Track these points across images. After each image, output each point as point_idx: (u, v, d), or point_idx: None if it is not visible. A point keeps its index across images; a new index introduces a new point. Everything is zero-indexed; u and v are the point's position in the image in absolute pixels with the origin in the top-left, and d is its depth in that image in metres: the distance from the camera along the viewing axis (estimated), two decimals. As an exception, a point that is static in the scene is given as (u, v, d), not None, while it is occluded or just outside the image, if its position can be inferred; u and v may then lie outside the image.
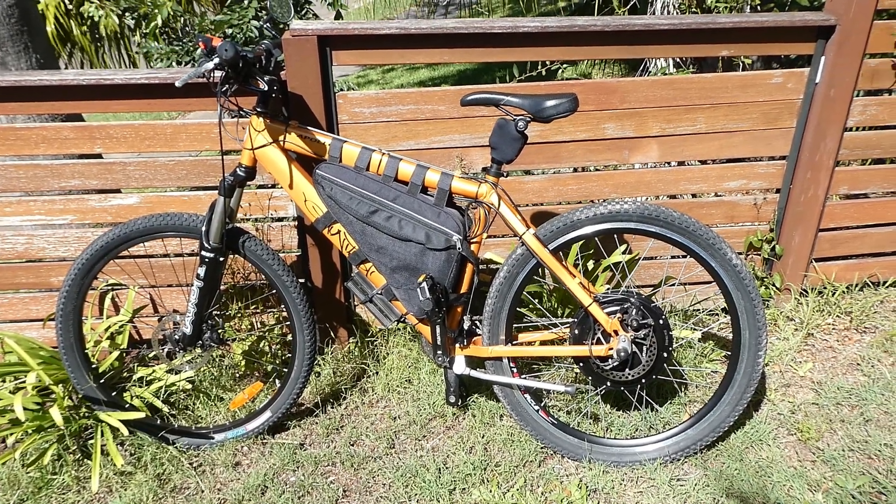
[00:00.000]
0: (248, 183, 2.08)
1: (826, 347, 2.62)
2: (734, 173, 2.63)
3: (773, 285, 2.79)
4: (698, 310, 2.75)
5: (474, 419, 2.32)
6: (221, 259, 2.10)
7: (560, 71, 3.08)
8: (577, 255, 2.46)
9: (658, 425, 2.27)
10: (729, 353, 2.13)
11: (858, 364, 2.50)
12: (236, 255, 2.15)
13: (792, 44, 2.46)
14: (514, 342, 2.15)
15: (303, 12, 3.08)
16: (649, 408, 2.29)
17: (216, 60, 1.79)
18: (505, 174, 2.00)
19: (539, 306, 2.44)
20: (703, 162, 2.85)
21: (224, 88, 1.89)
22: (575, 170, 2.74)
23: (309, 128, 2.04)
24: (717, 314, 2.76)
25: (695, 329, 2.57)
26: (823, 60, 2.45)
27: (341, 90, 2.56)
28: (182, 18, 3.28)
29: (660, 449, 2.13)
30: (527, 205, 2.59)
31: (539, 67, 3.25)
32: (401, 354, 2.57)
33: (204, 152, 2.41)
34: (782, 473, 2.05)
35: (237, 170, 2.05)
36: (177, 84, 1.74)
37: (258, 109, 2.01)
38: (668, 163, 2.66)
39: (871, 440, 2.14)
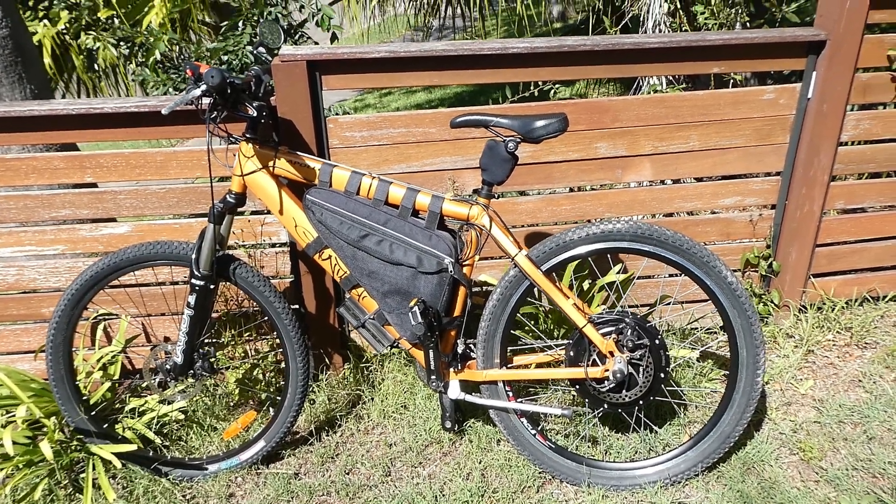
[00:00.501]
0: (239, 209, 2.07)
1: (827, 364, 2.58)
2: (729, 190, 2.62)
3: (772, 302, 2.77)
4: (696, 328, 2.73)
5: (471, 444, 2.29)
6: (212, 287, 2.08)
7: (553, 92, 3.07)
8: (571, 276, 2.44)
9: (658, 447, 2.23)
10: (728, 372, 2.10)
11: (860, 381, 2.47)
12: (228, 283, 2.13)
13: (783, 59, 2.45)
14: (509, 365, 2.12)
15: (297, 37, 3.09)
16: (648, 429, 2.26)
17: (203, 87, 1.79)
18: (497, 195, 1.99)
19: (535, 328, 2.42)
20: (699, 179, 2.84)
21: (213, 115, 1.88)
22: (571, 189, 2.73)
23: (298, 153, 2.03)
24: (715, 332, 2.73)
25: (693, 348, 2.54)
26: (815, 75, 2.44)
27: (335, 114, 2.56)
28: (178, 47, 3.29)
29: (660, 472, 2.10)
30: (521, 225, 2.57)
31: (532, 88, 3.26)
32: (396, 380, 2.54)
33: (198, 179, 2.40)
34: (785, 494, 2.01)
35: (227, 196, 2.04)
36: (163, 112, 1.73)
37: (247, 135, 2.00)
38: (663, 181, 2.64)
39: (875, 458, 2.10)
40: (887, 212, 2.75)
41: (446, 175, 2.43)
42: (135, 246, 2.08)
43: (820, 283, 2.78)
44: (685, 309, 2.72)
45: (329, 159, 2.36)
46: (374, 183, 1.99)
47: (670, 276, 2.69)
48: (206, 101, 1.86)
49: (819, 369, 2.56)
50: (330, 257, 2.05)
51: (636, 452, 2.22)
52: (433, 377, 2.08)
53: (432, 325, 1.97)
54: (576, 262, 2.41)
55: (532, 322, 2.49)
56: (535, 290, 2.01)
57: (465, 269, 2.00)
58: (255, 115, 1.93)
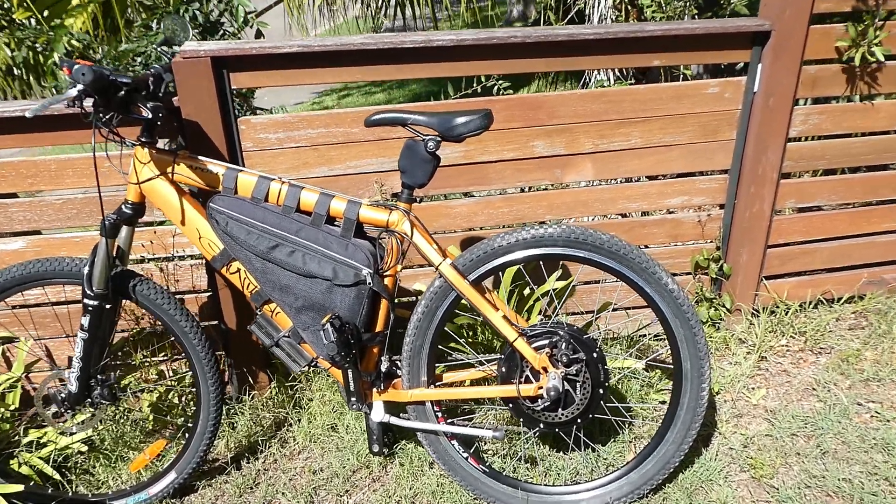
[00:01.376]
0: (140, 220, 1.88)
1: (780, 371, 2.46)
2: (675, 189, 2.48)
3: (723, 306, 2.64)
4: (644, 335, 2.59)
5: (402, 469, 2.12)
6: (108, 307, 1.88)
7: (497, 89, 2.92)
8: (510, 285, 2.28)
9: (602, 467, 2.08)
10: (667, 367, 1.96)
11: (814, 389, 2.34)
12: (129, 301, 1.93)
13: (726, 51, 2.32)
14: (438, 384, 1.96)
15: (219, 34, 2.90)
16: (590, 448, 2.11)
17: (79, 87, 1.60)
18: (418, 200, 1.83)
19: (462, 345, 2.25)
20: (653, 178, 2.71)
21: (100, 118, 1.69)
22: (523, 190, 2.58)
23: (200, 157, 1.84)
24: (663, 339, 2.59)
25: (639, 357, 2.40)
26: (760, 68, 2.31)
27: (257, 113, 2.37)
28: (90, 48, 3.07)
29: (601, 496, 1.94)
30: (456, 230, 2.41)
31: (474, 85, 3.11)
32: (324, 399, 2.36)
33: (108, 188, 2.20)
34: (734, 517, 1.87)
35: (123, 207, 1.85)
36: (27, 115, 1.54)
37: (143, 139, 1.81)
38: (606, 180, 2.50)
39: (829, 475, 1.97)
40: (839, 210, 2.64)
41: (372, 178, 2.26)
42: (20, 264, 1.89)
43: (773, 285, 2.66)
44: (630, 316, 2.58)
45: (243, 164, 2.17)
46: (283, 188, 1.81)
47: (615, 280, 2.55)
48: (88, 102, 1.67)
49: (772, 377, 2.44)
50: (238, 271, 1.87)
51: (577, 474, 2.07)
52: (353, 399, 1.91)
53: (349, 343, 1.80)
54: (514, 270, 2.26)
55: (470, 333, 2.33)
56: (465, 301, 1.85)
57: (386, 281, 1.84)
58: (150, 116, 1.74)
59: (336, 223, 1.83)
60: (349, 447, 2.21)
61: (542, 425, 1.90)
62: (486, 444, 2.18)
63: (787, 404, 2.28)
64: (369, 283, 1.78)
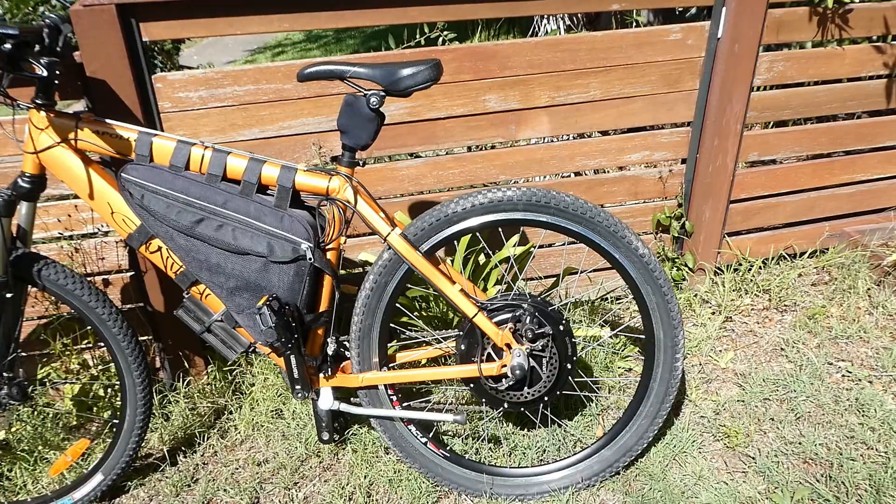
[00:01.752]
0: (42, 194, 1.64)
1: (746, 332, 2.37)
2: (635, 144, 2.33)
3: (686, 266, 2.53)
4: (607, 298, 2.46)
5: (355, 455, 1.96)
6: (10, 295, 1.65)
7: (442, 40, 2.70)
8: (464, 253, 2.11)
9: (570, 443, 1.96)
10: (644, 356, 1.83)
11: (782, 349, 2.26)
12: (35, 287, 1.70)
13: (689, -6, 2.16)
14: (392, 365, 1.79)
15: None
16: (556, 425, 1.98)
17: (-51, 38, 1.34)
18: (361, 163, 1.64)
19: (416, 321, 2.07)
20: (605, 133, 2.56)
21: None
22: (470, 149, 2.39)
23: (107, 121, 1.60)
24: (626, 302, 2.47)
25: (604, 325, 2.27)
26: (724, 12, 2.16)
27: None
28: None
29: (571, 475, 1.82)
30: (403, 195, 2.22)
31: (417, 36, 2.88)
32: (267, 382, 2.17)
33: None
34: (712, 492, 1.77)
35: (19, 180, 1.60)
36: None
37: (38, 101, 1.56)
38: (563, 136, 2.33)
39: (805, 440, 1.89)
40: (803, 163, 2.54)
41: (310, 140, 2.04)
42: None
43: (735, 242, 2.56)
44: (593, 281, 2.44)
45: (161, 127, 1.93)
46: (207, 154, 1.59)
47: (572, 243, 2.41)
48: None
49: (739, 338, 2.34)
50: (159, 249, 1.65)
51: (544, 452, 1.94)
52: (298, 387, 1.72)
53: (290, 326, 1.61)
54: (468, 237, 2.09)
55: (423, 306, 2.16)
56: (418, 274, 1.67)
57: (328, 255, 1.64)
58: (44, 74, 1.49)
59: (269, 192, 1.62)
60: (296, 435, 2.03)
61: (506, 405, 1.75)
62: (445, 427, 2.03)
63: (757, 367, 2.19)
64: (310, 259, 1.59)
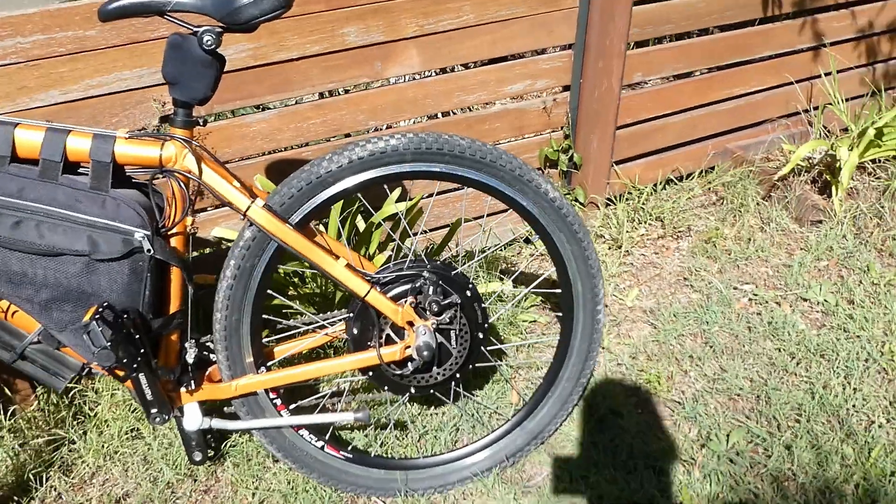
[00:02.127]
0: None
1: (646, 264, 2.24)
2: (516, 73, 2.09)
3: (577, 201, 2.35)
4: (501, 245, 2.24)
5: (238, 470, 1.64)
6: None
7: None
8: (338, 222, 1.79)
9: (485, 417, 1.74)
10: (560, 312, 1.63)
11: (686, 279, 2.14)
12: None
13: None
14: (271, 364, 1.47)
15: None
16: (467, 399, 1.75)
17: None
18: (201, 121, 1.28)
19: (294, 305, 1.75)
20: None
21: None
22: (321, 95, 2.05)
23: None
24: (518, 247, 2.27)
25: (503, 277, 2.05)
26: (600, -86, 1.93)
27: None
28: None
29: (492, 455, 1.60)
30: (258, 154, 1.87)
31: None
32: (116, 399, 1.78)
33: None
34: (648, 448, 1.61)
35: None
36: None
37: None
38: (437, 71, 2.05)
39: (728, 375, 1.78)
40: (685, 80, 2.41)
41: (133, 98, 1.63)
42: None
43: (623, 170, 2.40)
44: (485, 229, 2.21)
45: (-81, 93, 1.46)
46: (-17, 126, 1.17)
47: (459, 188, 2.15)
48: None
49: (639, 272, 2.21)
50: (-66, 259, 1.23)
51: (458, 431, 1.71)
52: (154, 410, 1.37)
53: (133, 339, 1.25)
54: (341, 202, 1.78)
55: (298, 282, 1.84)
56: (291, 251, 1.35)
57: (173, 241, 1.29)
58: None
59: (83, 170, 1.24)
60: (161, 457, 1.68)
61: (413, 390, 1.50)
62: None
63: (664, 301, 2.06)
64: (148, 250, 1.23)
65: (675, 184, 2.51)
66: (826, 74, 2.49)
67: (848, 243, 2.18)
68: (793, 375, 1.76)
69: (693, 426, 1.66)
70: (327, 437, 1.53)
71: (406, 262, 1.44)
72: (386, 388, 1.49)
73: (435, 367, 1.47)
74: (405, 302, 1.40)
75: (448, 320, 1.42)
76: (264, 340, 1.47)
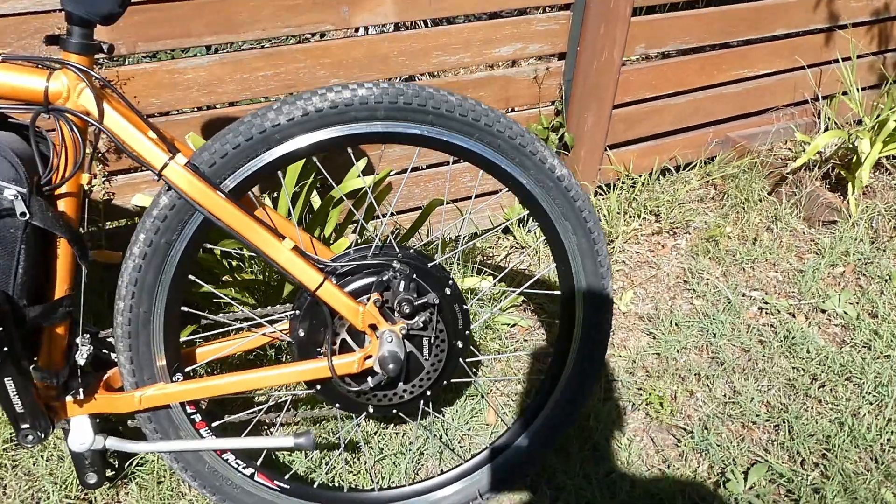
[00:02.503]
0: None
1: (641, 263, 1.97)
2: (505, 34, 1.78)
3: (564, 187, 2.06)
4: (480, 231, 1.94)
5: (144, 495, 1.31)
6: None
7: None
8: (284, 193, 1.47)
9: (454, 440, 1.44)
10: (560, 311, 1.35)
11: (686, 282, 1.88)
12: None
13: None
14: (189, 370, 1.15)
15: None
16: (434, 416, 1.46)
17: None
18: (105, 48, 0.95)
19: (224, 293, 1.42)
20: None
21: None
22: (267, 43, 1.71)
23: None
24: (496, 237, 1.98)
25: (483, 270, 1.76)
26: None
27: None
28: None
29: (464, 490, 1.31)
30: (191, 109, 1.53)
31: None
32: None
33: None
34: (646, 488, 1.34)
35: None
36: None
37: None
38: (413, 23, 1.73)
39: (742, 399, 1.51)
40: (692, 57, 2.14)
41: (31, 25, 1.28)
42: None
43: (617, 155, 2.13)
44: (469, 210, 1.91)
45: None
46: None
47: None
48: None
49: (634, 272, 1.93)
50: None
51: (422, 455, 1.41)
52: (26, 426, 1.04)
53: (-4, 334, 0.92)
54: (294, 169, 1.46)
55: (234, 266, 1.51)
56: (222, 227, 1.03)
57: (61, 204, 0.96)
58: None
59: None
60: (46, 474, 1.34)
61: (371, 409, 1.19)
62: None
63: (663, 307, 1.79)
64: (22, 214, 0.90)
65: (672, 174, 2.24)
66: (844, 59, 2.24)
67: (865, 248, 1.95)
68: (816, 401, 1.51)
69: (703, 459, 1.39)
70: (259, 463, 1.22)
71: (371, 248, 1.13)
72: (338, 405, 1.18)
73: (401, 384, 1.16)
74: (368, 299, 1.08)
75: (421, 325, 1.11)
76: (183, 339, 1.14)
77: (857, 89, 2.22)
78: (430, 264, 1.14)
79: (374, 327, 1.09)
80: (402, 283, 1.08)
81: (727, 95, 2.25)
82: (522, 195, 1.15)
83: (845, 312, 1.73)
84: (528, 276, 1.86)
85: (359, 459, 1.39)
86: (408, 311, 1.08)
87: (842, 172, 2.09)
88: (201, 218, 1.01)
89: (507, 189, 1.15)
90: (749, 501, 1.30)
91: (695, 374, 1.58)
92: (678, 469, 1.37)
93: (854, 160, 2.02)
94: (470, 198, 1.90)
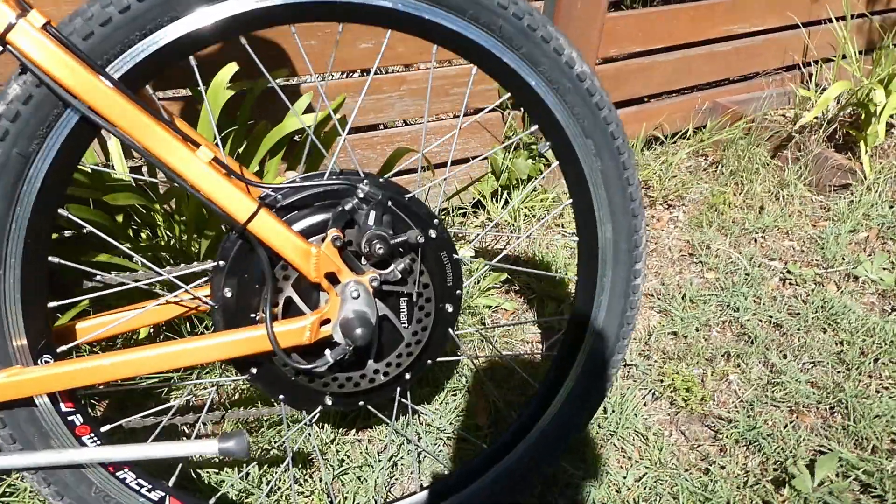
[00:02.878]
0: None
1: (637, 236, 1.69)
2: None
3: (544, 156, 1.78)
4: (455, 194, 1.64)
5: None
6: None
7: None
8: (214, 95, 1.13)
9: (432, 441, 1.12)
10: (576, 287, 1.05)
11: (692, 254, 1.61)
12: None
13: None
14: (63, 349, 0.79)
15: None
16: (412, 412, 1.13)
17: None
18: None
19: (116, 244, 1.08)
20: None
21: None
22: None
23: None
24: (470, 210, 1.67)
25: (461, 237, 1.46)
26: None
27: None
28: None
29: (456, 508, 0.99)
30: None
31: None
32: None
33: None
34: (692, 498, 1.04)
35: None
36: None
37: None
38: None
39: (786, 379, 1.24)
40: (682, 5, 1.89)
41: None
42: None
43: (600, 119, 1.85)
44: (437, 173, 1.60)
45: None
46: None
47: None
48: None
49: (630, 246, 1.65)
50: None
51: (394, 467, 1.09)
52: None
53: None
54: (220, 86, 1.12)
55: (134, 224, 1.17)
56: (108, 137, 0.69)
57: None
58: None
59: None
60: None
61: (329, 400, 0.86)
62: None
63: (672, 282, 1.51)
64: None
65: (659, 144, 1.99)
66: (839, 19, 2.03)
67: (885, 210, 1.72)
68: (872, 378, 1.25)
69: (754, 453, 1.11)
70: (171, 483, 0.87)
71: (326, 173, 0.81)
72: (282, 397, 0.85)
73: (371, 362, 0.84)
74: (325, 237, 0.76)
75: (399, 275, 0.80)
76: (53, 305, 0.79)
77: (855, 51, 2.02)
78: (406, 196, 0.82)
79: (332, 278, 0.77)
80: (373, 213, 0.77)
81: (718, 54, 2.02)
82: (529, 101, 0.85)
83: (881, 279, 1.49)
84: (509, 256, 1.56)
85: (312, 476, 1.05)
86: (381, 251, 0.76)
87: (850, 132, 1.87)
88: (76, 118, 0.68)
89: (512, 96, 0.85)
90: (824, 501, 1.01)
91: (723, 354, 1.30)
92: (724, 467, 1.08)
93: (864, 117, 1.80)
94: (456, 163, 1.59)
